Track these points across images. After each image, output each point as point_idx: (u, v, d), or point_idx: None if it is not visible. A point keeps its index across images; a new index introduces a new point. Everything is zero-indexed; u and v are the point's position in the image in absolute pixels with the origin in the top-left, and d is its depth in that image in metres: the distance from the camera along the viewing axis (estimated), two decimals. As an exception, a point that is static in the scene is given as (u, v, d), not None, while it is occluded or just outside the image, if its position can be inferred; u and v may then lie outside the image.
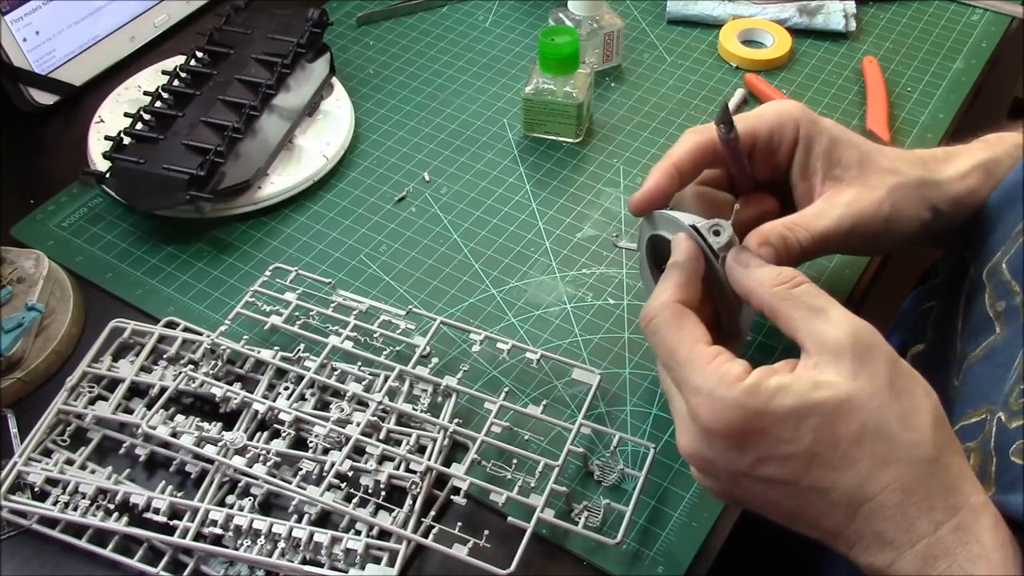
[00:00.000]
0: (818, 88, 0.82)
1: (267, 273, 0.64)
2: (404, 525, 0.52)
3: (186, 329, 0.62)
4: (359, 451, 0.55)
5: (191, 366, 0.60)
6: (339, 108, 0.78)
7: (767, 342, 0.63)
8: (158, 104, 0.73)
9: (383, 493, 0.53)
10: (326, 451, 0.55)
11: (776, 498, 0.42)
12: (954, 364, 0.52)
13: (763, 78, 0.82)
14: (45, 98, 0.80)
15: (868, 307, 0.69)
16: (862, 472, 0.40)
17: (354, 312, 0.61)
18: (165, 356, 0.61)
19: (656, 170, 0.53)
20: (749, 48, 0.85)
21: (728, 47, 0.84)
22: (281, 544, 0.51)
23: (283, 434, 0.56)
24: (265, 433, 0.57)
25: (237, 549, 0.51)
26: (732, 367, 0.42)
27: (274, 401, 0.57)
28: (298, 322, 0.61)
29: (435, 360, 0.60)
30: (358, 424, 0.55)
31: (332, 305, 0.62)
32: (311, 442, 0.55)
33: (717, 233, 0.49)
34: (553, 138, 0.77)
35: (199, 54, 0.76)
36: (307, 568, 0.51)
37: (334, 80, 0.80)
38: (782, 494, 0.42)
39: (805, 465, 0.40)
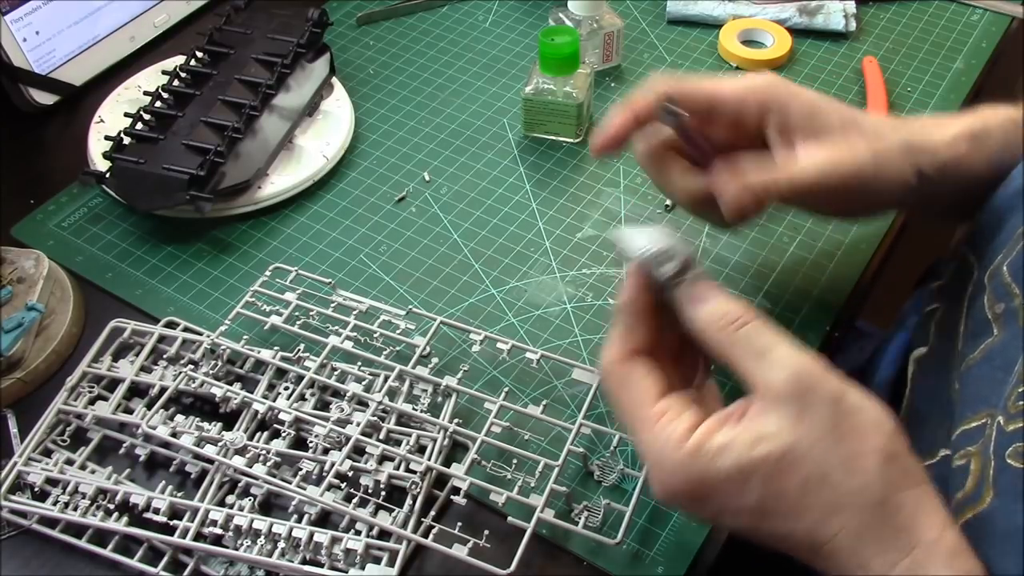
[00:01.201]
0: (818, 88, 0.82)
1: (267, 273, 0.64)
2: (404, 525, 0.52)
3: (186, 329, 0.62)
4: (359, 451, 0.55)
5: (191, 366, 0.60)
6: (339, 108, 0.78)
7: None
8: (158, 104, 0.73)
9: (383, 493, 0.53)
10: (326, 451, 0.55)
11: (749, 534, 0.43)
12: (955, 368, 0.52)
13: (763, 78, 0.82)
14: (45, 98, 0.80)
15: (868, 307, 0.69)
16: (814, 519, 0.40)
17: (354, 312, 0.61)
18: (165, 356, 0.61)
19: (617, 116, 0.54)
20: (749, 48, 0.85)
21: (728, 47, 0.84)
22: (281, 544, 0.51)
23: (283, 434, 0.56)
24: (265, 433, 0.57)
25: (237, 549, 0.51)
26: (677, 427, 0.42)
27: (274, 401, 0.57)
28: (298, 322, 0.61)
29: (435, 360, 0.60)
30: (358, 424, 0.55)
31: (332, 305, 0.62)
32: (311, 442, 0.55)
33: (670, 258, 0.45)
34: (553, 138, 0.78)
35: (199, 54, 0.76)
36: (307, 568, 0.51)
37: (334, 80, 0.80)
38: (751, 533, 0.43)
39: (759, 517, 0.41)
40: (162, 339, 0.62)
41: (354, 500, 0.53)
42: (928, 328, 0.57)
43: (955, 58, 0.85)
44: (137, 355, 0.61)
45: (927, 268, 0.69)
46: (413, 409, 0.56)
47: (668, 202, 0.71)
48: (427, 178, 0.75)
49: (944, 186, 0.54)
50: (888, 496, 0.40)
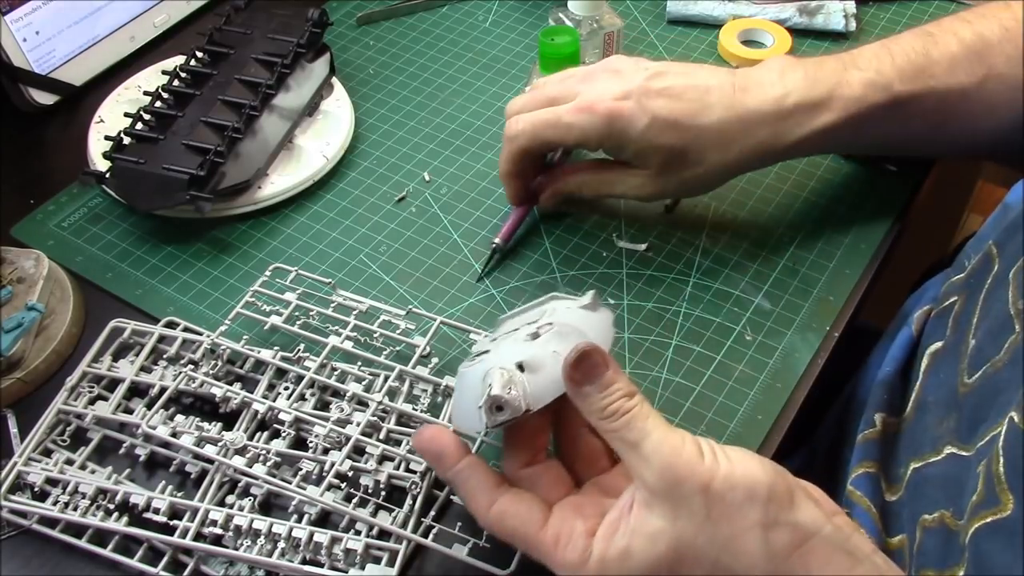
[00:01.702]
0: (818, 88, 0.82)
1: (267, 273, 0.64)
2: (404, 525, 0.52)
3: (186, 329, 0.62)
4: (359, 451, 0.55)
5: (191, 366, 0.60)
6: (339, 108, 0.78)
7: (767, 342, 0.63)
8: (158, 104, 0.73)
9: (383, 493, 0.53)
10: (326, 451, 0.55)
11: None
12: (964, 358, 0.51)
13: (763, 78, 0.82)
14: (45, 98, 0.80)
15: (868, 307, 0.69)
16: None
17: (354, 312, 0.61)
18: (165, 356, 0.61)
19: (503, 180, 0.67)
20: (749, 48, 0.85)
21: (728, 47, 0.84)
22: (281, 544, 0.51)
23: (283, 434, 0.56)
24: (265, 433, 0.57)
25: (237, 549, 0.51)
26: (575, 548, 0.43)
27: (274, 401, 0.57)
28: (298, 322, 0.61)
29: (435, 360, 0.60)
30: (358, 424, 0.55)
31: (332, 305, 0.62)
32: (311, 442, 0.55)
33: (499, 408, 0.45)
34: (553, 138, 0.77)
35: (199, 54, 0.76)
36: (307, 568, 0.51)
37: (334, 80, 0.80)
38: None
39: None
40: (162, 339, 0.62)
41: (354, 500, 0.53)
42: (946, 322, 0.56)
43: (955, 58, 0.85)
44: (137, 355, 0.61)
45: (933, 262, 0.69)
46: (413, 409, 0.56)
47: (667, 202, 0.71)
48: (427, 178, 0.75)
49: (809, 152, 0.64)
50: (777, 566, 0.41)
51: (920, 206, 0.74)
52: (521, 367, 0.46)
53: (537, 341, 0.47)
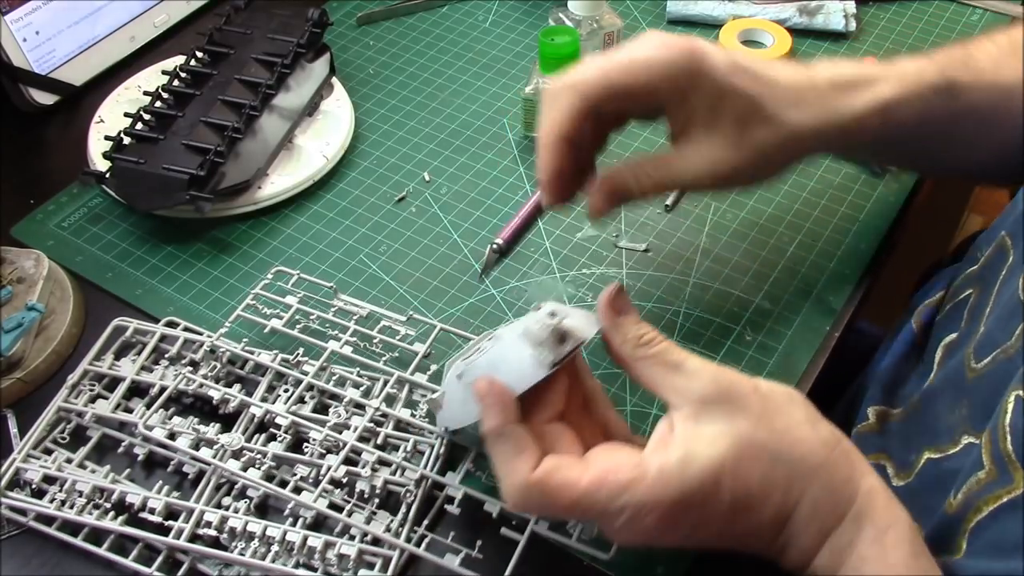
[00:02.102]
0: (818, 88, 0.82)
1: (269, 276, 0.64)
2: (398, 533, 0.52)
3: (187, 329, 0.62)
4: (355, 454, 0.55)
5: (191, 367, 0.60)
6: (339, 108, 0.78)
7: (767, 342, 0.63)
8: (158, 104, 0.73)
9: (377, 500, 0.53)
10: (323, 455, 0.55)
11: (718, 542, 0.45)
12: (972, 344, 0.51)
13: (763, 78, 0.82)
14: (45, 98, 0.80)
15: (868, 307, 0.69)
16: (778, 499, 0.42)
17: (354, 317, 0.61)
18: (167, 356, 0.61)
19: (544, 149, 0.52)
20: (749, 48, 0.85)
21: (728, 47, 0.84)
22: (275, 547, 0.51)
23: (280, 438, 0.56)
24: (263, 435, 0.57)
25: (231, 551, 0.51)
26: (626, 471, 0.42)
27: (272, 404, 0.57)
28: (298, 326, 0.61)
29: (434, 367, 0.59)
30: (355, 429, 0.55)
31: (333, 309, 0.62)
32: (307, 447, 0.55)
33: (562, 340, 0.46)
34: (553, 138, 0.77)
35: (199, 54, 0.76)
36: (300, 572, 0.51)
37: (334, 80, 0.80)
38: (721, 541, 0.44)
39: (731, 518, 0.42)
40: (163, 339, 0.62)
41: (348, 506, 0.53)
42: (961, 314, 0.56)
43: (955, 58, 0.85)
44: (139, 354, 0.61)
45: (933, 262, 0.69)
46: (411, 415, 0.56)
47: (668, 202, 0.71)
48: (427, 178, 0.75)
49: (835, 150, 0.58)
50: (828, 456, 0.43)
51: (920, 206, 0.74)
52: (553, 314, 0.46)
53: (541, 309, 0.48)
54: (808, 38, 0.87)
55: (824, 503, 0.42)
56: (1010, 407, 0.44)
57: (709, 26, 0.89)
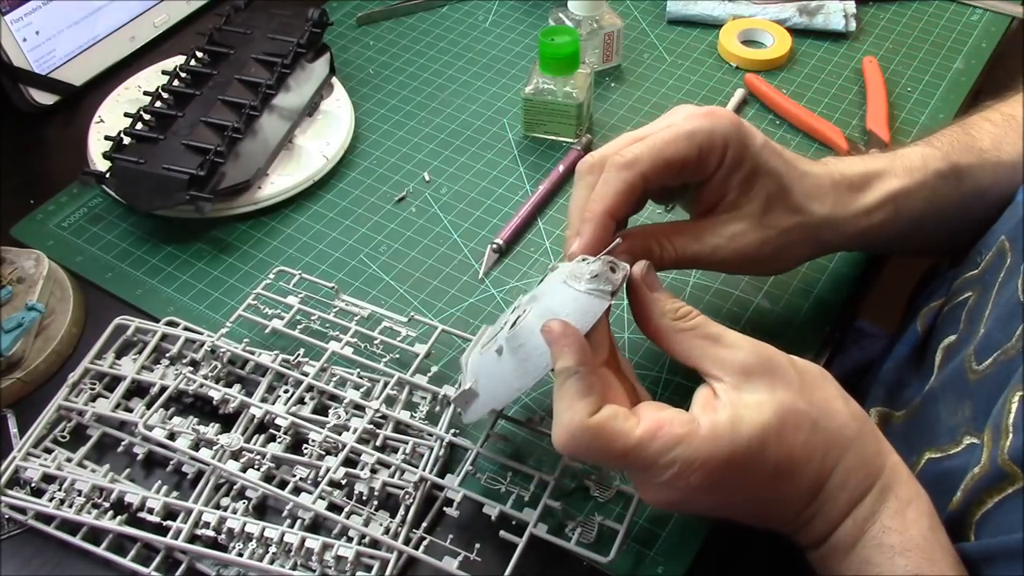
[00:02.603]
0: (818, 88, 0.82)
1: (270, 276, 0.64)
2: (396, 535, 0.52)
3: (187, 329, 0.62)
4: (354, 456, 0.55)
5: (191, 367, 0.60)
6: (339, 108, 0.78)
7: (767, 342, 0.63)
8: (158, 104, 0.73)
9: (376, 501, 0.53)
10: (322, 456, 0.55)
11: (754, 511, 0.46)
12: (972, 346, 0.52)
13: (763, 78, 0.82)
14: (45, 98, 0.80)
15: (868, 307, 0.69)
16: (817, 464, 0.44)
17: (355, 318, 0.61)
18: (167, 355, 0.61)
19: (590, 221, 0.51)
20: (749, 48, 0.85)
21: (728, 47, 0.84)
22: (272, 548, 0.51)
23: (279, 439, 0.56)
24: (263, 436, 0.57)
25: (230, 552, 0.51)
26: (680, 424, 0.43)
27: (272, 404, 0.57)
28: (299, 326, 0.61)
29: (434, 369, 0.59)
30: (354, 431, 0.55)
31: (334, 310, 0.62)
32: (307, 448, 0.55)
33: (613, 270, 0.47)
34: (553, 138, 0.77)
35: (199, 54, 0.76)
36: (298, 574, 0.51)
37: (334, 80, 0.80)
38: (758, 509, 0.46)
39: (774, 482, 0.44)
40: (164, 338, 0.62)
41: (347, 508, 0.53)
42: (959, 316, 0.57)
43: (955, 58, 0.85)
44: (139, 353, 0.61)
45: (933, 262, 0.69)
46: (411, 417, 0.56)
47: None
48: (427, 178, 0.75)
49: (848, 247, 0.60)
50: (860, 428, 0.45)
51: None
52: (585, 259, 0.48)
53: (563, 265, 0.49)
54: (808, 38, 0.87)
55: (856, 473, 0.44)
56: (1014, 407, 0.44)
57: (709, 26, 0.88)
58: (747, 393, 0.44)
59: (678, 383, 0.61)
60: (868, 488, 0.44)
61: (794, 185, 0.54)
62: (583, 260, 0.48)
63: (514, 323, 0.48)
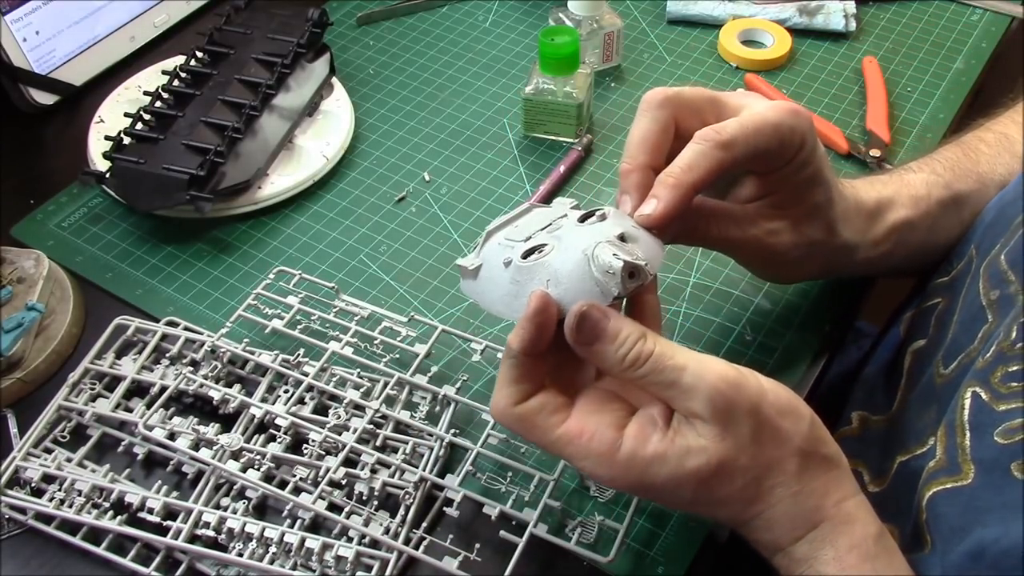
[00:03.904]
0: (818, 88, 0.82)
1: (271, 276, 0.64)
2: (396, 535, 0.52)
3: (187, 329, 0.62)
4: (354, 456, 0.55)
5: (191, 367, 0.60)
6: (339, 108, 0.78)
7: (767, 342, 0.63)
8: (158, 104, 0.73)
9: (376, 501, 0.53)
10: (322, 456, 0.55)
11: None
12: (941, 351, 0.53)
13: (763, 78, 0.82)
14: (45, 98, 0.80)
15: (868, 307, 0.69)
16: (737, 509, 0.44)
17: (356, 318, 0.61)
18: (168, 355, 0.61)
19: (675, 188, 0.48)
20: (749, 48, 0.85)
21: (728, 47, 0.84)
22: (273, 548, 0.51)
23: (279, 439, 0.56)
24: (263, 436, 0.57)
25: (230, 552, 0.51)
26: (592, 443, 0.43)
27: (272, 404, 0.57)
28: (299, 326, 0.61)
29: (434, 368, 0.59)
30: (354, 431, 0.55)
31: (334, 310, 0.62)
32: (307, 448, 0.55)
33: (632, 276, 0.44)
34: (553, 138, 0.77)
35: (199, 54, 0.76)
36: (297, 574, 0.51)
37: (334, 80, 0.80)
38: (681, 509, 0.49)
39: (690, 506, 0.46)
40: (164, 338, 0.62)
41: (347, 508, 0.53)
42: (929, 321, 0.57)
43: (955, 58, 0.85)
44: (139, 353, 0.61)
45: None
46: (411, 417, 0.56)
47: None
48: (427, 178, 0.75)
49: (849, 273, 0.60)
50: (802, 487, 0.43)
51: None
52: (623, 238, 0.45)
53: (607, 222, 0.47)
54: (808, 38, 0.87)
55: (780, 525, 0.44)
56: (967, 403, 0.45)
57: (709, 26, 0.88)
58: (690, 437, 0.43)
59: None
60: (797, 538, 0.44)
61: (835, 202, 0.54)
62: (620, 240, 0.45)
63: (529, 252, 0.46)
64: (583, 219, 0.48)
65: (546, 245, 0.46)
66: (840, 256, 0.56)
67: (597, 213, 0.48)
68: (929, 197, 0.58)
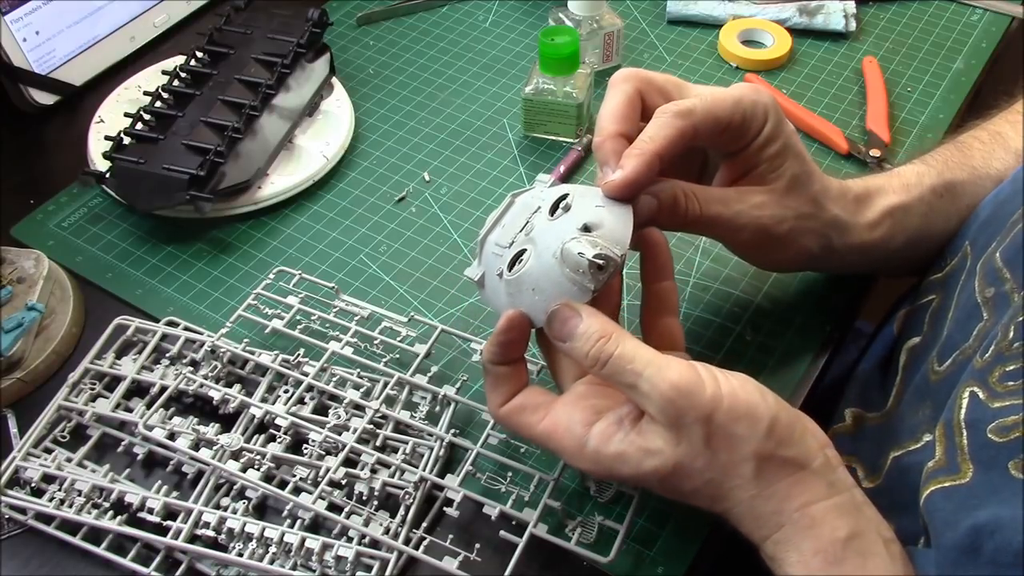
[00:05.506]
0: (818, 88, 0.82)
1: (271, 276, 0.64)
2: (396, 535, 0.52)
3: (187, 329, 0.62)
4: (354, 456, 0.55)
5: (191, 367, 0.60)
6: (339, 108, 0.78)
7: (767, 342, 0.63)
8: (158, 104, 0.73)
9: (376, 501, 0.53)
10: (322, 456, 0.55)
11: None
12: (936, 348, 0.53)
13: (763, 78, 0.82)
14: (45, 98, 0.80)
15: (868, 307, 0.69)
16: (706, 503, 0.46)
17: (355, 318, 0.61)
18: (167, 355, 0.61)
19: (638, 157, 0.49)
20: (749, 48, 0.85)
21: (728, 47, 0.84)
22: (273, 548, 0.51)
23: (279, 439, 0.56)
24: (263, 436, 0.57)
25: (230, 552, 0.51)
26: (563, 440, 0.47)
27: (272, 404, 0.57)
28: (299, 326, 0.61)
29: (434, 368, 0.59)
30: (354, 431, 0.55)
31: (334, 310, 0.62)
32: (307, 448, 0.55)
33: (601, 268, 0.46)
34: (553, 138, 0.78)
35: (199, 54, 0.76)
36: (297, 574, 0.51)
37: (334, 80, 0.80)
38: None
39: (659, 492, 0.48)
40: (164, 338, 0.62)
41: (347, 508, 0.53)
42: (923, 318, 0.57)
43: (955, 58, 0.85)
44: (139, 353, 0.61)
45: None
46: (411, 417, 0.56)
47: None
48: (427, 178, 0.75)
49: (852, 260, 0.59)
50: (759, 491, 0.44)
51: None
52: (587, 228, 0.47)
53: (572, 211, 0.48)
54: (808, 38, 0.87)
55: (748, 522, 0.46)
56: (964, 403, 0.45)
57: (709, 26, 0.88)
58: (653, 436, 0.45)
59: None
60: (764, 537, 0.45)
61: (814, 175, 0.56)
62: (584, 231, 0.47)
63: (515, 260, 0.49)
64: (553, 209, 0.50)
65: (525, 251, 0.49)
66: (833, 233, 0.57)
67: (562, 203, 0.49)
68: (921, 184, 0.59)
